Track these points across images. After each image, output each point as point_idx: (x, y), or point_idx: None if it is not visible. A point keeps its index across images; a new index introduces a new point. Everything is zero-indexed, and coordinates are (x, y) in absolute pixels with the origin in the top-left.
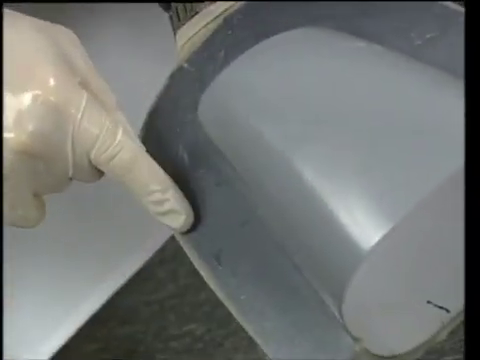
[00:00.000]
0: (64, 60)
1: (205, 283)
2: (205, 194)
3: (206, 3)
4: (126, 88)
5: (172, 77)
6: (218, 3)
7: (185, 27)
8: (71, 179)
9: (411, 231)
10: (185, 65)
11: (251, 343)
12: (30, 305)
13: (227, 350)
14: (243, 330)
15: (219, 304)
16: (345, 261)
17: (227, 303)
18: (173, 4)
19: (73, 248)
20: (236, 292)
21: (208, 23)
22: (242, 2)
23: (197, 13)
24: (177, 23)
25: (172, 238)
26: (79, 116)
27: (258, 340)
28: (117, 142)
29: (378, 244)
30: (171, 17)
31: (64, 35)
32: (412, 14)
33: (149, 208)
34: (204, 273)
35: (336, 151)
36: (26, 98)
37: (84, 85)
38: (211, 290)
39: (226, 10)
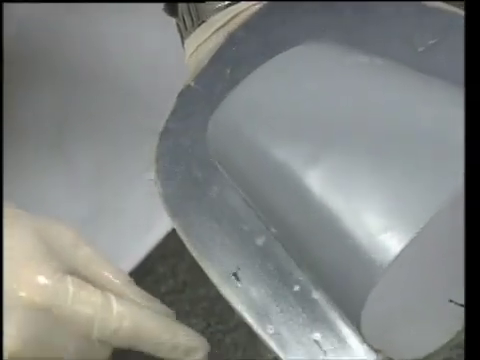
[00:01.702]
0: (52, 257)
1: (205, 279)
2: (220, 212)
3: (212, 12)
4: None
5: (181, 96)
6: (224, 12)
7: (192, 36)
8: None
9: (428, 240)
10: (192, 84)
11: (251, 339)
12: None
13: (227, 346)
14: (243, 326)
15: (219, 300)
16: (363, 277)
17: (247, 318)
18: (180, 13)
19: None
20: (256, 307)
21: (214, 32)
22: (245, 15)
23: (203, 22)
24: (184, 32)
25: (172, 233)
26: (69, 303)
27: (279, 354)
28: (115, 314)
29: (396, 258)
30: (178, 25)
31: (60, 232)
32: (413, 20)
33: (170, 356)
34: (223, 290)
35: (348, 168)
36: (13, 302)
37: (75, 273)
38: (211, 286)
39: (232, 18)
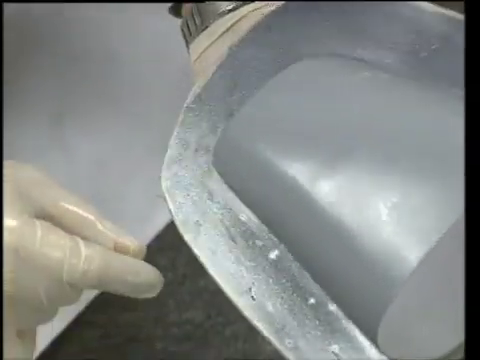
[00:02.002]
0: (19, 197)
1: (204, 271)
2: (233, 228)
3: (215, 17)
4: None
5: (182, 123)
6: (226, 17)
7: (196, 41)
8: (56, 308)
9: (443, 251)
10: (193, 106)
11: (251, 331)
12: None
13: (227, 338)
14: (243, 318)
15: (218, 292)
16: (380, 292)
17: (265, 332)
18: (184, 18)
19: None
20: (273, 322)
21: (218, 37)
22: (248, 20)
23: (207, 27)
24: (189, 37)
25: (171, 225)
26: (37, 246)
27: None
28: (84, 258)
29: (413, 272)
30: (183, 31)
31: (26, 173)
32: (415, 26)
33: (132, 294)
34: (240, 305)
35: (360, 181)
36: None
37: (43, 215)
38: (211, 277)
39: (236, 22)
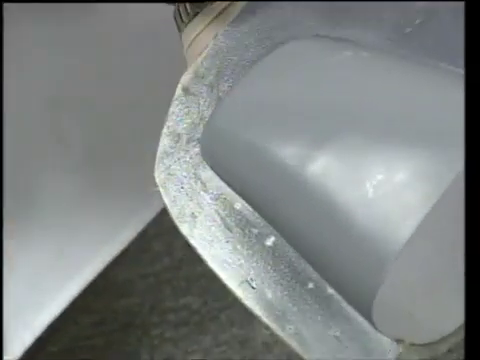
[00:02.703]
0: None
1: (201, 257)
2: (229, 218)
3: (206, 3)
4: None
5: (172, 115)
6: (216, 3)
7: (188, 28)
8: None
9: (436, 223)
10: (182, 98)
11: (247, 316)
12: (23, 277)
13: (223, 323)
14: (239, 303)
15: (215, 277)
16: (372, 268)
17: (266, 320)
18: (175, 6)
19: (67, 220)
20: (273, 309)
21: (209, 23)
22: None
23: (198, 13)
24: (181, 24)
25: (167, 211)
26: None
27: (302, 353)
28: None
29: (403, 249)
30: (175, 19)
31: None
32: (397, 2)
33: None
34: (240, 294)
35: (347, 163)
36: None
37: None
38: (207, 263)
39: (227, 7)
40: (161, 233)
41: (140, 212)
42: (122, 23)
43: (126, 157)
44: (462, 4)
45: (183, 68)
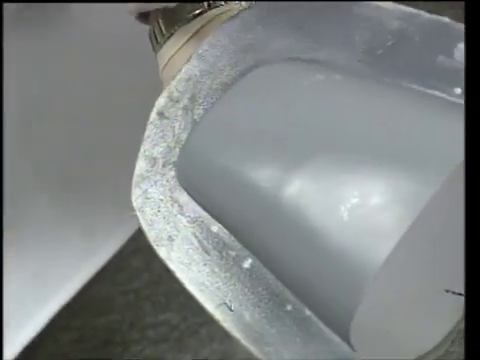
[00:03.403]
0: None
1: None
2: (206, 241)
3: (180, 23)
4: None
5: (147, 139)
6: (193, 22)
7: (163, 49)
8: None
9: (413, 242)
10: (156, 122)
11: (227, 332)
12: (4, 295)
13: (203, 338)
14: None
15: None
16: (348, 295)
17: (245, 342)
18: (150, 26)
19: (45, 239)
20: (252, 332)
21: (183, 44)
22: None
23: (172, 34)
24: (156, 45)
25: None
26: None
27: None
28: None
29: (378, 273)
30: (151, 39)
31: None
32: (368, 24)
33: None
34: (218, 317)
35: (321, 186)
36: None
37: None
38: (185, 286)
39: (201, 28)
40: (139, 250)
41: (118, 229)
42: (98, 41)
43: (102, 176)
44: (433, 26)
45: (159, 88)
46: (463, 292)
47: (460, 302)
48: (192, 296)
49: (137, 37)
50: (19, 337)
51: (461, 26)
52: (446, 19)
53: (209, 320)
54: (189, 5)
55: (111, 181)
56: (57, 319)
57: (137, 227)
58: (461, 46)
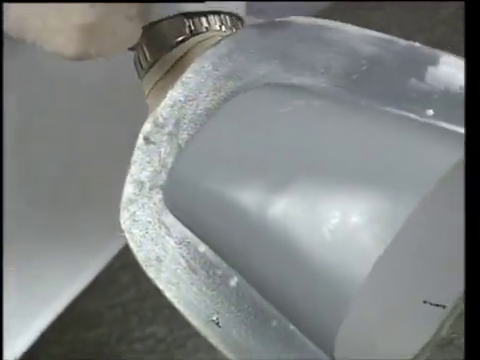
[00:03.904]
0: None
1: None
2: (193, 261)
3: (163, 52)
4: None
5: (134, 163)
6: (176, 50)
7: (147, 76)
8: None
9: (392, 258)
10: (143, 147)
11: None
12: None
13: (189, 350)
14: None
15: None
16: (331, 312)
17: (233, 358)
18: (135, 54)
19: (35, 255)
20: (239, 348)
21: (166, 72)
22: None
23: (157, 61)
24: (141, 72)
25: None
26: None
27: None
28: None
29: (360, 290)
30: (136, 66)
31: None
32: (344, 49)
33: None
34: (206, 334)
35: (303, 208)
36: None
37: None
38: (174, 305)
39: (184, 55)
40: (127, 265)
41: (106, 246)
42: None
43: (92, 196)
44: (405, 51)
45: (146, 113)
46: (440, 303)
47: (438, 313)
48: (178, 310)
49: (123, 63)
50: (12, 351)
51: (431, 50)
52: (417, 44)
53: (195, 333)
54: (173, 32)
55: (100, 201)
56: (48, 333)
57: (125, 243)
58: (431, 69)
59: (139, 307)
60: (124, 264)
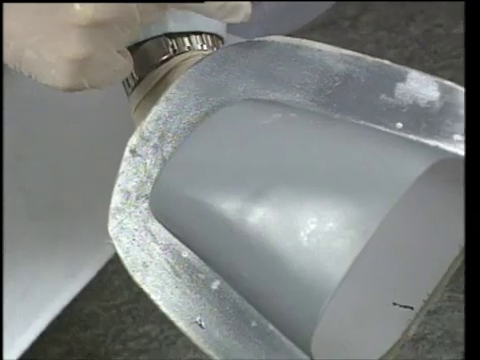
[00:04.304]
0: None
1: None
2: (178, 266)
3: (148, 70)
4: None
5: (121, 174)
6: (161, 68)
7: (134, 93)
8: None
9: (364, 264)
10: (130, 159)
11: None
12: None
13: (180, 348)
14: None
15: None
16: (308, 313)
17: (216, 357)
18: None
19: (32, 261)
20: (221, 348)
21: (152, 88)
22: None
23: (143, 79)
24: (128, 89)
25: None
26: None
27: None
28: None
29: (335, 292)
30: (123, 83)
31: None
32: (318, 67)
33: (218, 16)
34: (190, 335)
35: (281, 214)
36: None
37: None
38: (159, 307)
39: (168, 72)
40: (120, 269)
41: (99, 251)
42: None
43: (84, 206)
44: (375, 68)
45: (132, 128)
46: (408, 305)
47: (406, 313)
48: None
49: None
50: (12, 350)
51: (400, 67)
52: (386, 61)
53: None
54: (157, 52)
55: (92, 210)
56: (47, 333)
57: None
58: (400, 85)
59: (132, 308)
60: (117, 268)
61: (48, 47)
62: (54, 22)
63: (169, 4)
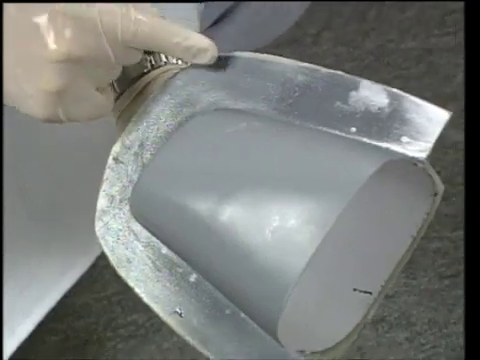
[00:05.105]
0: None
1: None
2: (158, 261)
3: (129, 83)
4: None
5: (106, 180)
6: (140, 80)
7: (117, 103)
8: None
9: (325, 253)
10: (112, 166)
11: None
12: None
13: (165, 334)
14: None
15: None
16: (272, 302)
17: (193, 342)
18: None
19: (28, 258)
20: (198, 335)
21: (133, 99)
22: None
23: (124, 91)
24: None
25: None
26: (95, 15)
27: None
28: (134, 21)
29: (296, 282)
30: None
31: None
32: (279, 79)
33: (183, 56)
34: (170, 324)
35: (248, 213)
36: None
37: None
38: (142, 299)
39: (146, 85)
40: (110, 264)
41: (90, 248)
42: None
43: (76, 208)
44: (330, 78)
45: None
46: (367, 290)
47: (366, 298)
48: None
49: None
50: (12, 339)
51: (353, 77)
52: (340, 72)
53: None
54: (136, 67)
55: (85, 211)
56: (44, 323)
57: None
58: (353, 93)
59: (122, 299)
60: (107, 263)
61: (26, 79)
62: (32, 56)
63: (139, 46)
